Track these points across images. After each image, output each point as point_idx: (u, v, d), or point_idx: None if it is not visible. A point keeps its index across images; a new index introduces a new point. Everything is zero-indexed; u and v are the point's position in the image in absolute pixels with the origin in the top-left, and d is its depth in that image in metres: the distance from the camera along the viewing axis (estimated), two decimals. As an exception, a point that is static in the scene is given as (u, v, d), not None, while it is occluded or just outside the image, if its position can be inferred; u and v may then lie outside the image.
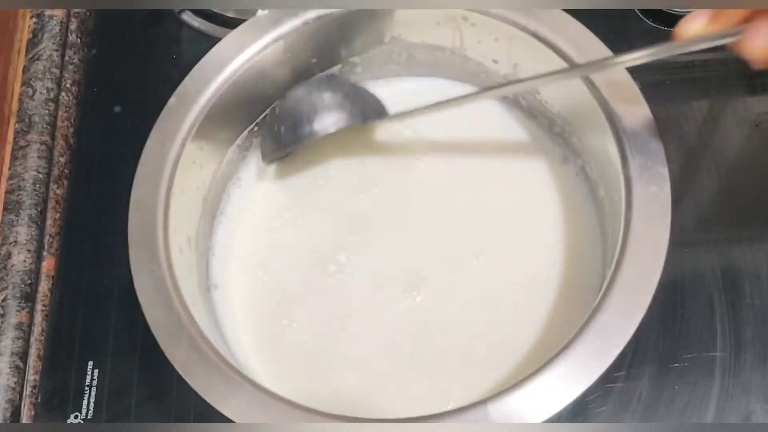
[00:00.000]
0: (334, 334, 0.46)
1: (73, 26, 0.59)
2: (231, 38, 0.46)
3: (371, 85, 0.51)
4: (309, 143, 0.48)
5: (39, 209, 0.53)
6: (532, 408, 0.35)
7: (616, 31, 0.54)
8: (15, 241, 0.51)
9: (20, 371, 0.48)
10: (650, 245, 0.37)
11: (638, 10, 0.55)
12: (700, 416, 0.44)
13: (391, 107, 0.50)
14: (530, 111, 0.49)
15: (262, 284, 0.47)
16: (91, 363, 0.48)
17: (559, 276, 0.45)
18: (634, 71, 0.41)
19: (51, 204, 0.54)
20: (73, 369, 0.48)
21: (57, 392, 0.48)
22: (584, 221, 0.46)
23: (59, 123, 0.56)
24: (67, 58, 0.58)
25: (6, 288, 0.50)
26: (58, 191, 0.54)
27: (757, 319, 0.46)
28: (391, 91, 0.51)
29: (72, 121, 0.57)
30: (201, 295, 0.45)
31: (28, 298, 0.50)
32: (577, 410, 0.44)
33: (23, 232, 0.52)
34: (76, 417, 0.47)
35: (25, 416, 0.48)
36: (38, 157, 0.54)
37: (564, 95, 0.45)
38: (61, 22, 0.59)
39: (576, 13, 0.43)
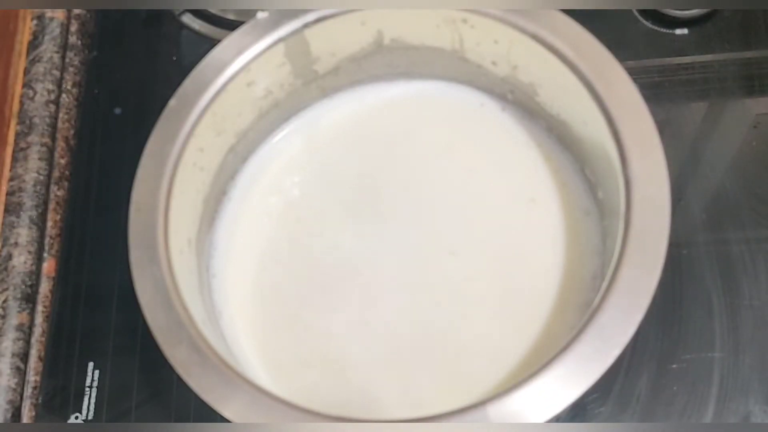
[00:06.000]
0: (334, 335, 0.46)
1: (73, 28, 0.60)
2: (231, 40, 0.46)
3: (370, 87, 0.51)
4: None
5: (39, 211, 0.53)
6: (532, 409, 0.35)
7: (614, 32, 0.54)
8: (16, 243, 0.51)
9: (21, 372, 0.48)
10: (650, 246, 0.37)
11: (637, 12, 0.55)
12: (699, 417, 0.44)
13: (391, 111, 0.50)
14: (529, 112, 0.49)
15: (262, 285, 0.48)
16: (91, 364, 0.48)
17: (559, 276, 0.45)
18: (633, 72, 0.42)
19: (51, 205, 0.54)
20: (73, 370, 0.48)
21: (57, 393, 0.48)
22: (584, 222, 0.46)
23: (60, 125, 0.56)
24: (67, 60, 0.58)
25: (7, 289, 0.50)
26: (58, 193, 0.54)
27: (756, 320, 0.46)
28: (391, 94, 0.51)
29: (72, 122, 0.57)
30: (201, 296, 0.45)
31: (29, 300, 0.50)
32: (576, 411, 0.44)
33: (24, 233, 0.52)
34: (76, 417, 0.47)
35: (26, 417, 0.48)
36: (39, 158, 0.54)
37: (563, 96, 0.45)
38: (62, 24, 0.59)
39: (575, 15, 0.43)
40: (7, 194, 0.53)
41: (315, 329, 0.46)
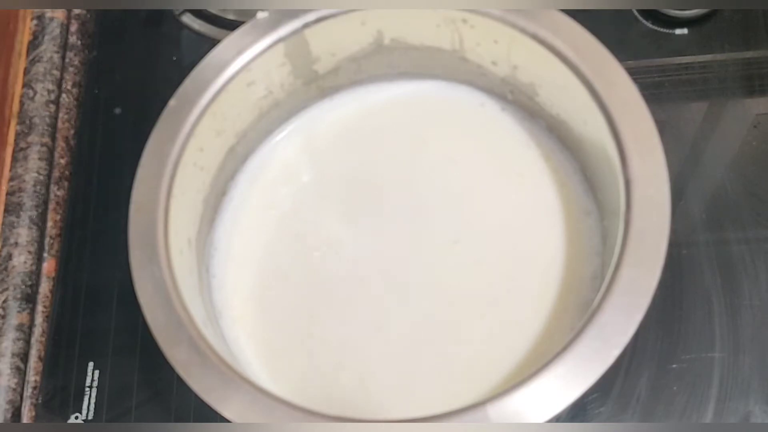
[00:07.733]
0: (334, 336, 0.46)
1: (73, 28, 0.60)
2: (231, 40, 0.46)
3: (370, 87, 0.51)
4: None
5: (39, 211, 0.53)
6: (532, 409, 0.35)
7: (614, 33, 0.54)
8: (16, 243, 0.51)
9: (21, 372, 0.48)
10: (650, 246, 0.37)
11: (637, 12, 0.55)
12: (699, 417, 0.44)
13: (391, 111, 0.50)
14: (529, 112, 0.49)
15: (263, 285, 0.48)
16: (91, 364, 0.48)
17: (559, 276, 0.45)
18: (633, 72, 0.42)
19: (51, 205, 0.54)
20: (73, 370, 0.48)
21: (57, 393, 0.48)
22: (584, 222, 0.46)
23: (60, 125, 0.56)
24: (67, 60, 0.58)
25: (7, 289, 0.50)
26: (58, 193, 0.54)
27: (756, 320, 0.46)
28: (391, 94, 0.51)
29: (72, 122, 0.57)
30: (201, 296, 0.45)
31: (29, 300, 0.50)
32: (576, 411, 0.44)
33: (24, 233, 0.52)
34: (76, 417, 0.47)
35: (26, 417, 0.48)
36: (39, 158, 0.54)
37: (563, 97, 0.45)
38: (62, 24, 0.59)
39: (574, 15, 0.43)
40: (7, 194, 0.53)
41: (315, 328, 0.46)
